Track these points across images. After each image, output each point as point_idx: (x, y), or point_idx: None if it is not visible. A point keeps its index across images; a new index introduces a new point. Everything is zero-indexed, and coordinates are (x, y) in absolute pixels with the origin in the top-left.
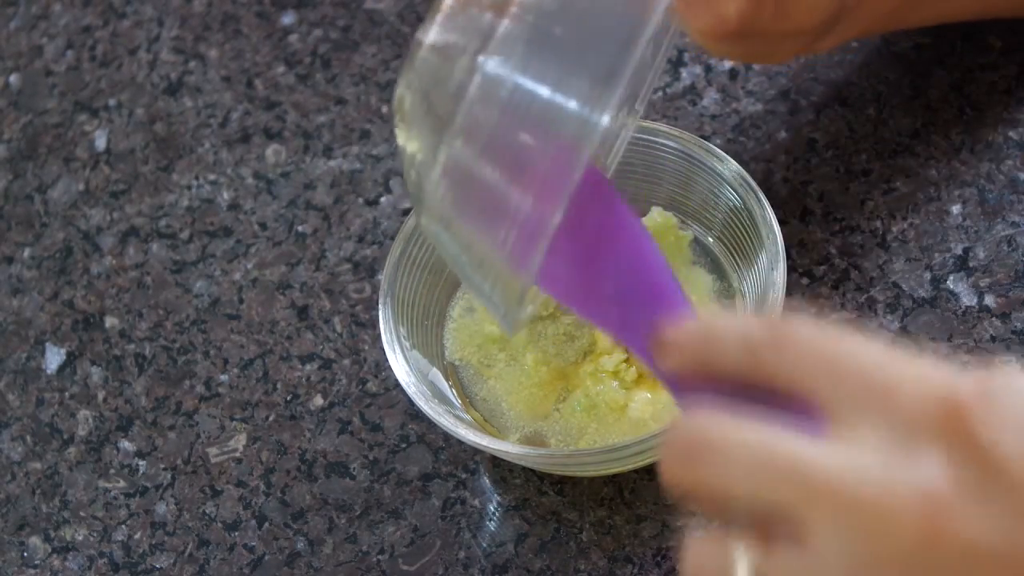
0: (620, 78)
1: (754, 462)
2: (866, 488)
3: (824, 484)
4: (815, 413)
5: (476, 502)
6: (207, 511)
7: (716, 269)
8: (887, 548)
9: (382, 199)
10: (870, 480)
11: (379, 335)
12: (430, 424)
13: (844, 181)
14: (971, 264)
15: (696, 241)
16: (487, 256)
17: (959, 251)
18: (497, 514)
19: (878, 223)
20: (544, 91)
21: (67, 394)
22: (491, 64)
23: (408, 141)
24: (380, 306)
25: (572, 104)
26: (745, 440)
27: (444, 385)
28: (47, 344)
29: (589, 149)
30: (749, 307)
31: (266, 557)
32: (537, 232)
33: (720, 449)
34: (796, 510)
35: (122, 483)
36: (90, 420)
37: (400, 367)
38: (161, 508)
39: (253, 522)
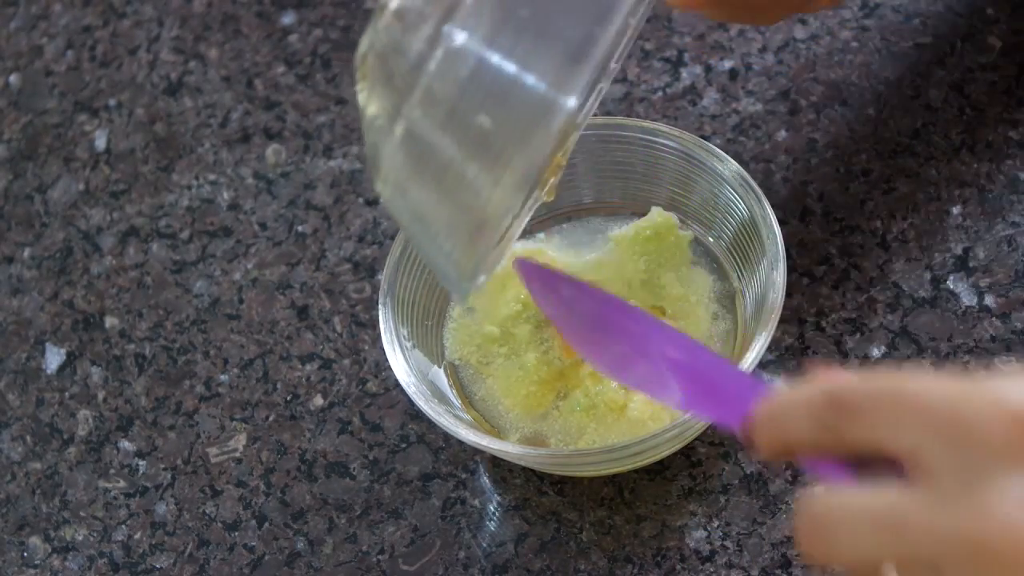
0: (590, 59)
1: (865, 530)
2: (965, 530)
3: (927, 537)
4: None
5: (476, 502)
6: (207, 511)
7: (716, 269)
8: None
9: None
10: (963, 522)
11: (379, 335)
12: (430, 424)
13: (844, 181)
14: (971, 264)
15: (696, 241)
16: (442, 225)
17: (959, 251)
18: (497, 514)
19: (878, 223)
20: (510, 68)
21: (67, 394)
22: (456, 36)
23: (368, 102)
24: (380, 306)
25: (538, 84)
26: (846, 516)
27: (444, 385)
28: (47, 344)
29: (553, 131)
30: (749, 307)
31: (266, 557)
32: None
33: (831, 528)
34: (917, 558)
35: (122, 483)
36: (90, 420)
37: (400, 367)
38: (161, 508)
39: (253, 522)
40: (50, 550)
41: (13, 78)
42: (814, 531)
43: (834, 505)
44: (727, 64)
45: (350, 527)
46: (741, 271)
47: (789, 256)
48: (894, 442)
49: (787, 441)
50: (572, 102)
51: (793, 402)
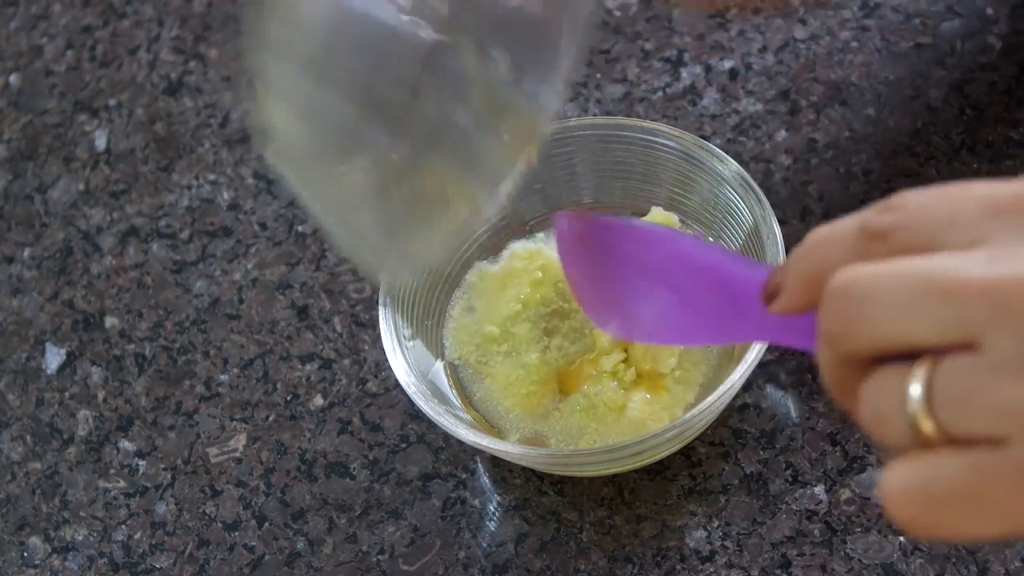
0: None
1: (909, 291)
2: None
3: (983, 289)
4: None
5: (476, 502)
6: (207, 511)
7: None
8: None
9: None
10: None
11: (379, 335)
12: (430, 424)
13: (844, 181)
14: None
15: None
16: (350, 197)
17: None
18: (497, 514)
19: None
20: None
21: (67, 394)
22: None
23: (261, 73)
24: (380, 306)
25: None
26: (891, 275)
27: (444, 385)
28: (47, 344)
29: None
30: None
31: (266, 557)
32: None
33: (872, 291)
34: (965, 326)
35: (122, 483)
36: (90, 420)
37: (400, 367)
38: (161, 508)
39: (253, 522)
40: (50, 550)
41: (13, 78)
42: (847, 297)
43: (877, 269)
44: (727, 64)
45: (350, 527)
46: None
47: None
48: (955, 236)
49: (822, 268)
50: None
51: (841, 223)
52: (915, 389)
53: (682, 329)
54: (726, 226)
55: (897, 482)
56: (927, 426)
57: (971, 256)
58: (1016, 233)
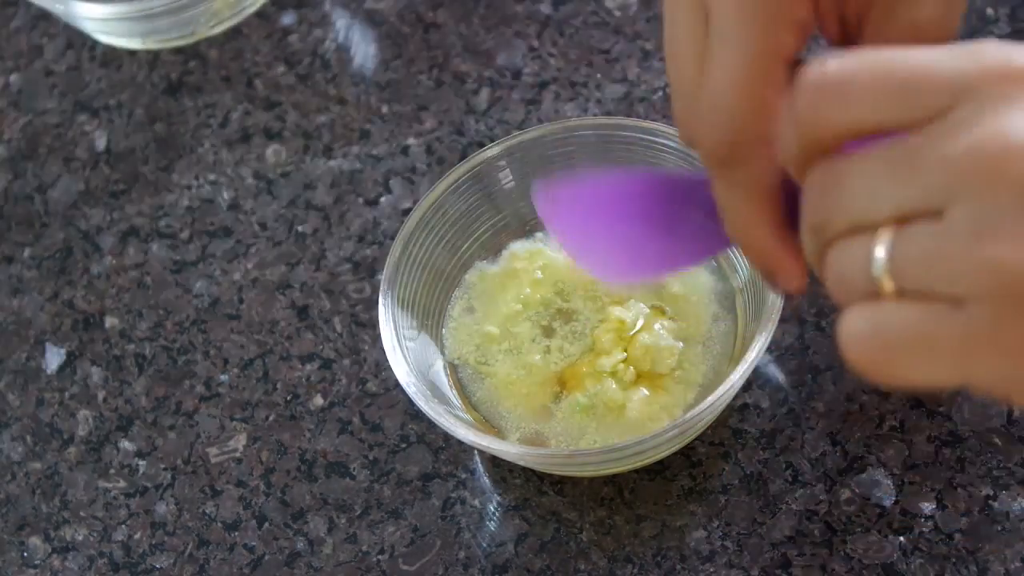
0: None
1: (874, 173)
2: (999, 142)
3: (943, 163)
4: None
5: (476, 502)
6: (207, 511)
7: (716, 269)
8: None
9: (382, 199)
10: (1000, 136)
11: (379, 335)
12: (430, 424)
13: None
14: None
15: None
16: None
17: None
18: (497, 514)
19: None
20: None
21: (67, 394)
22: None
23: None
24: (380, 306)
25: None
26: (860, 160)
27: (444, 385)
28: (47, 344)
29: None
30: (749, 307)
31: (266, 557)
32: None
33: (844, 175)
34: (927, 198)
35: (122, 483)
36: (90, 420)
37: (400, 367)
38: (161, 508)
39: (253, 522)
40: (50, 550)
41: (13, 78)
42: (823, 182)
43: (847, 159)
44: None
45: (350, 527)
46: (741, 271)
47: None
48: (908, 113)
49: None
50: None
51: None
52: (879, 251)
53: (670, 257)
54: None
55: (854, 325)
56: (888, 285)
57: (931, 130)
58: (966, 101)
